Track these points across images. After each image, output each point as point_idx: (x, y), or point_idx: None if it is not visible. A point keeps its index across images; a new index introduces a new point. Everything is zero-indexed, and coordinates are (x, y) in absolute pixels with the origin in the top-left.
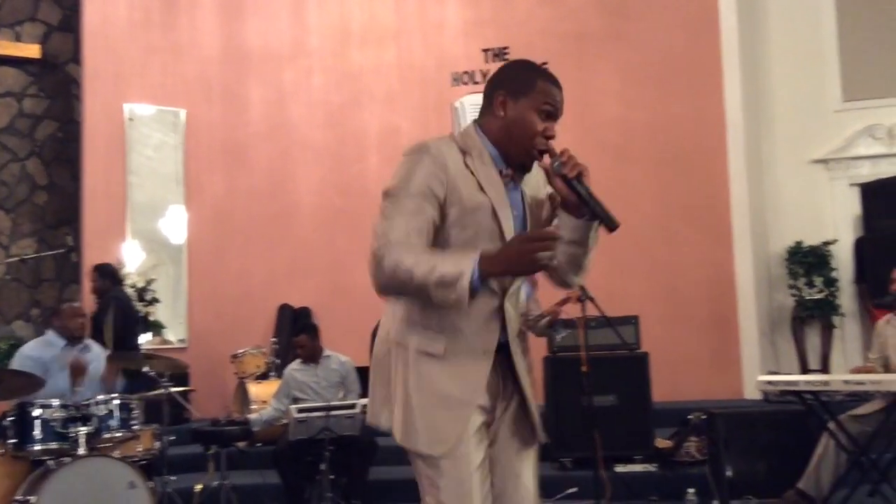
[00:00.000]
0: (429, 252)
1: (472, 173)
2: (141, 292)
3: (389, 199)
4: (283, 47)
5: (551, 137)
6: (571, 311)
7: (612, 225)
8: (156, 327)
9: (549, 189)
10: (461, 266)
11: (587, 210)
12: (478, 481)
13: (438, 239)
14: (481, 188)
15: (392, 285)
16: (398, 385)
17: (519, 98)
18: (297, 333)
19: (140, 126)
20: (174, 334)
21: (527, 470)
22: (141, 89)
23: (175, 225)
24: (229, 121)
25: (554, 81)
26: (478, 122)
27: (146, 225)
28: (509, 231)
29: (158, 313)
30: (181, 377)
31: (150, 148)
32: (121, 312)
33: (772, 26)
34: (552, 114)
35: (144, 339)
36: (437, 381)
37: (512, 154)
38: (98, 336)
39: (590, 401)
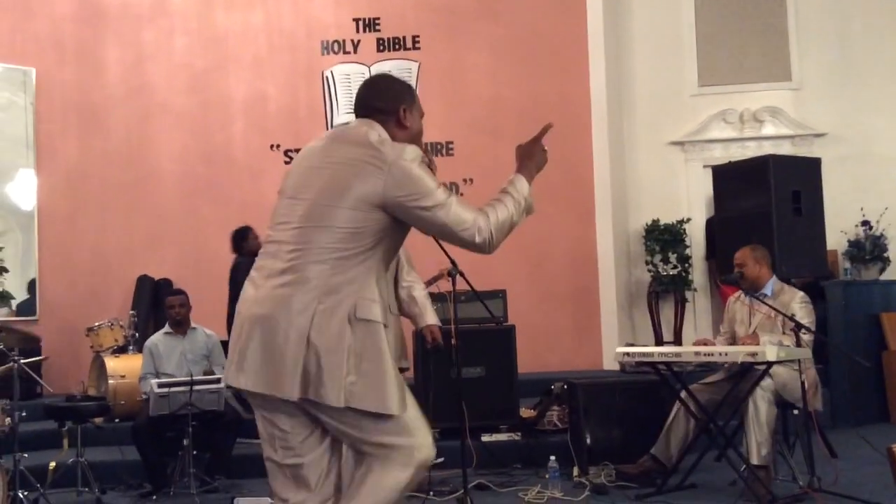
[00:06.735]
0: (494, 203)
1: None
2: None
3: (434, 196)
4: (142, 6)
5: None
6: (442, 286)
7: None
8: (4, 298)
9: None
10: (523, 191)
11: None
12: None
13: (388, 234)
14: None
15: (500, 241)
16: (372, 360)
17: (413, 108)
18: (169, 294)
19: None
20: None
21: None
22: None
23: (24, 190)
24: (84, 82)
25: None
26: (381, 130)
27: None
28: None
29: (7, 283)
30: (32, 351)
31: None
32: None
33: (635, 12)
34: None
35: None
36: (387, 346)
37: None
38: None
39: (458, 373)
